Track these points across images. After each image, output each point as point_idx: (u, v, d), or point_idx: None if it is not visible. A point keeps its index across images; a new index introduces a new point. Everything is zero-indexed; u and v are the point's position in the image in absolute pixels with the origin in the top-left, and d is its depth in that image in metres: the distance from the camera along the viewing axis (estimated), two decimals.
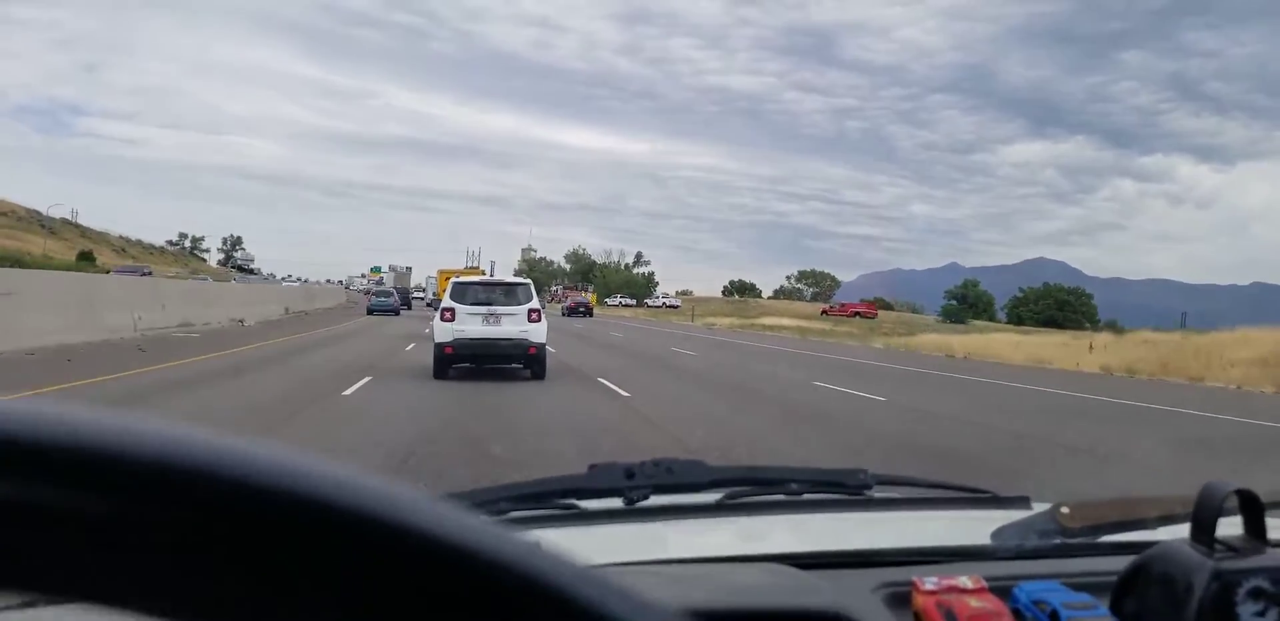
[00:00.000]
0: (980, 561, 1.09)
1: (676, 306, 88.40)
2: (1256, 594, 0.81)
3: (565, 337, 27.19)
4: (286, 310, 38.19)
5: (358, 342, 22.11)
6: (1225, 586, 0.81)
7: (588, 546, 1.14)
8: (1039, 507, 1.26)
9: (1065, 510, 1.10)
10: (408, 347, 19.62)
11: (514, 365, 14.03)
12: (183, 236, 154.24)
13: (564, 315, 57.50)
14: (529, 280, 15.34)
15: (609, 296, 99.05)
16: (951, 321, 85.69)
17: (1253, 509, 0.87)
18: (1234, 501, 0.86)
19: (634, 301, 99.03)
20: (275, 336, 22.14)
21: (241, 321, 27.91)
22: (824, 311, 73.68)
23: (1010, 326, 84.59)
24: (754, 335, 40.13)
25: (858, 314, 70.40)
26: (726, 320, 56.13)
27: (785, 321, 53.77)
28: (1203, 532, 0.84)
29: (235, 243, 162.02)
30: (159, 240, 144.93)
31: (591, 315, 58.15)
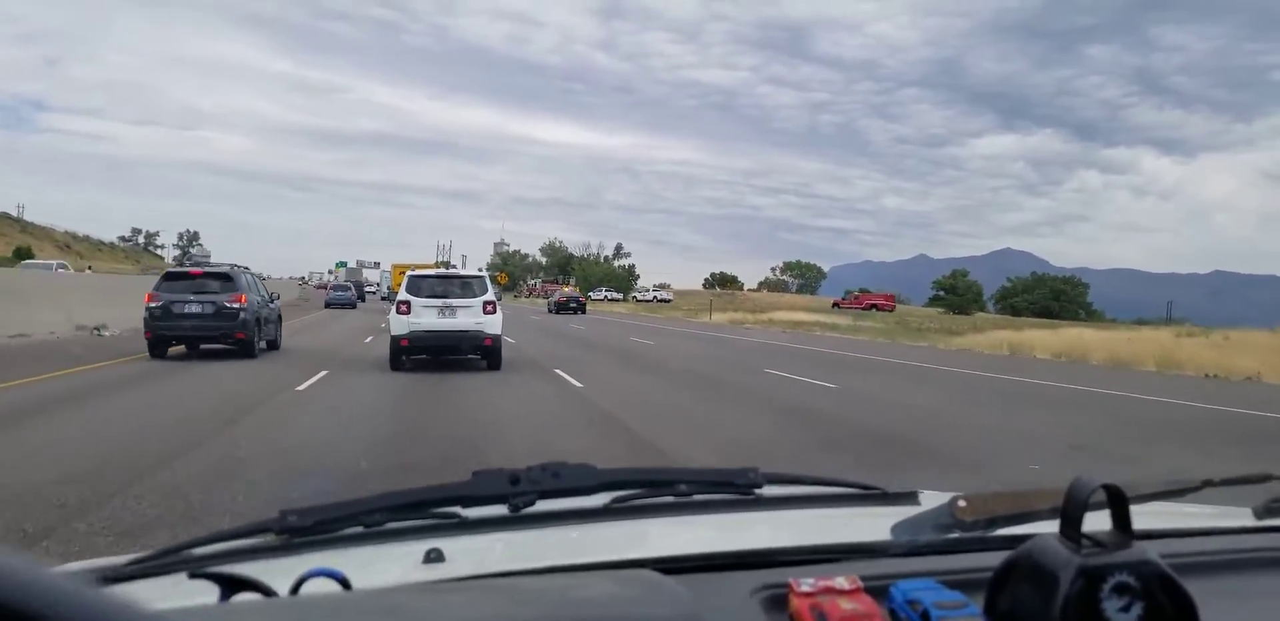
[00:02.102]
0: (870, 559, 1.08)
1: (668, 300, 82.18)
2: (1121, 589, 0.81)
3: (581, 351, 19.86)
4: None
5: (207, 383, 12.35)
6: (1090, 582, 0.81)
7: (464, 556, 1.14)
8: (929, 502, 1.23)
9: (962, 503, 1.08)
10: (301, 385, 11.71)
11: (470, 356, 14.24)
12: (136, 232, 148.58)
13: (552, 312, 50.86)
14: (484, 273, 15.85)
15: (591, 290, 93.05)
16: (955, 313, 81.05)
17: (1119, 503, 0.88)
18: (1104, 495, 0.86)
19: (620, 295, 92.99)
20: (77, 364, 13.61)
21: (98, 330, 20.61)
22: (836, 304, 68.11)
23: (1009, 317, 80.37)
24: (816, 338, 31.69)
25: (874, 306, 64.84)
26: (738, 316, 49.74)
27: (802, 316, 48.19)
28: (1070, 528, 0.85)
29: (192, 238, 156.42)
30: (115, 236, 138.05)
31: (584, 311, 51.60)
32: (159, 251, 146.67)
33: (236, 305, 15.68)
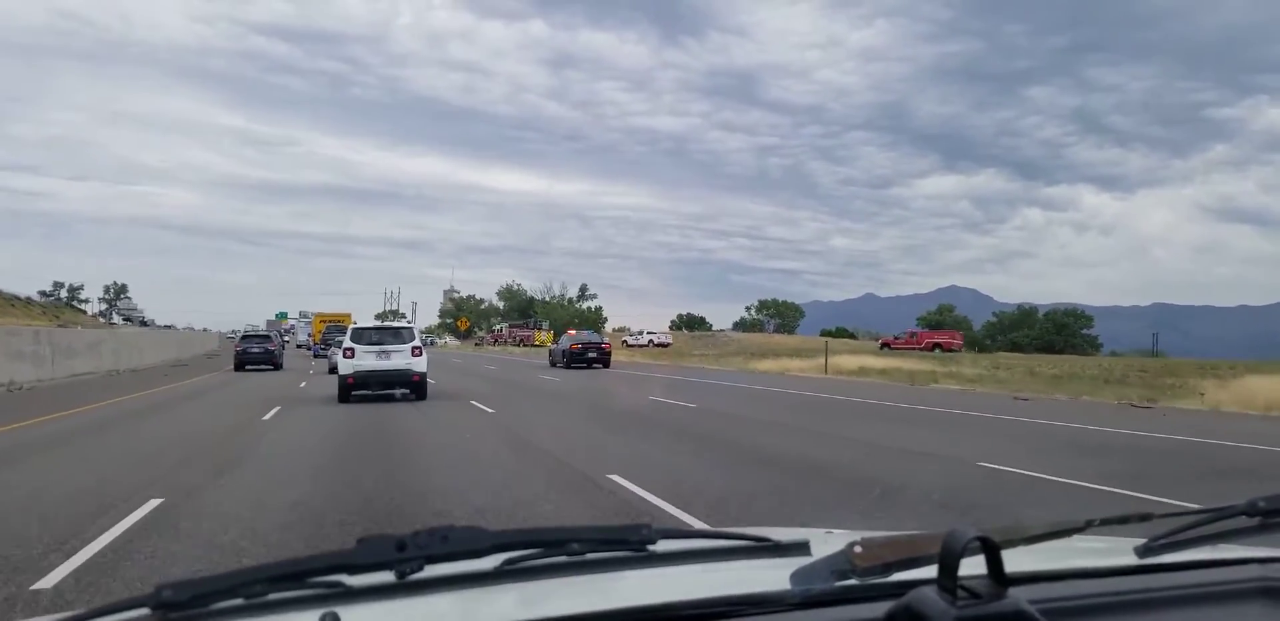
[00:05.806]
0: (763, 612, 1.09)
1: (667, 344, 72.87)
2: None
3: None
4: None
5: None
6: None
7: None
8: (820, 552, 1.24)
9: (858, 549, 1.07)
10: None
11: (401, 389, 18.94)
12: (58, 286, 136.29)
13: (559, 366, 38.61)
14: (413, 324, 23.83)
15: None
16: (977, 351, 73.76)
17: (993, 553, 0.91)
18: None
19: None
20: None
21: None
22: (885, 344, 59.06)
23: (1018, 354, 73.48)
24: (1105, 413, 16.92)
25: (937, 346, 56.16)
26: (800, 363, 39.93)
27: (870, 361, 39.52)
28: (946, 578, 0.88)
29: (119, 291, 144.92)
30: (35, 291, 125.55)
31: (609, 365, 39.66)
32: (83, 306, 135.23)
33: (272, 347, 38.43)
